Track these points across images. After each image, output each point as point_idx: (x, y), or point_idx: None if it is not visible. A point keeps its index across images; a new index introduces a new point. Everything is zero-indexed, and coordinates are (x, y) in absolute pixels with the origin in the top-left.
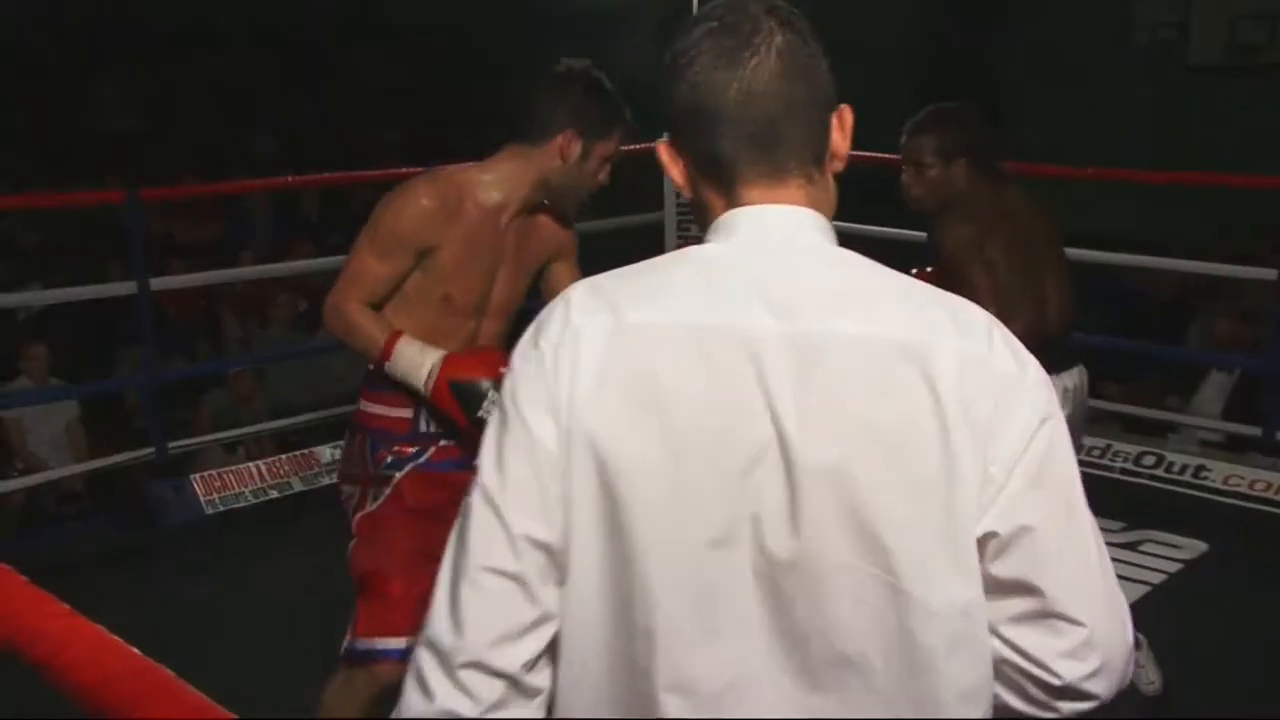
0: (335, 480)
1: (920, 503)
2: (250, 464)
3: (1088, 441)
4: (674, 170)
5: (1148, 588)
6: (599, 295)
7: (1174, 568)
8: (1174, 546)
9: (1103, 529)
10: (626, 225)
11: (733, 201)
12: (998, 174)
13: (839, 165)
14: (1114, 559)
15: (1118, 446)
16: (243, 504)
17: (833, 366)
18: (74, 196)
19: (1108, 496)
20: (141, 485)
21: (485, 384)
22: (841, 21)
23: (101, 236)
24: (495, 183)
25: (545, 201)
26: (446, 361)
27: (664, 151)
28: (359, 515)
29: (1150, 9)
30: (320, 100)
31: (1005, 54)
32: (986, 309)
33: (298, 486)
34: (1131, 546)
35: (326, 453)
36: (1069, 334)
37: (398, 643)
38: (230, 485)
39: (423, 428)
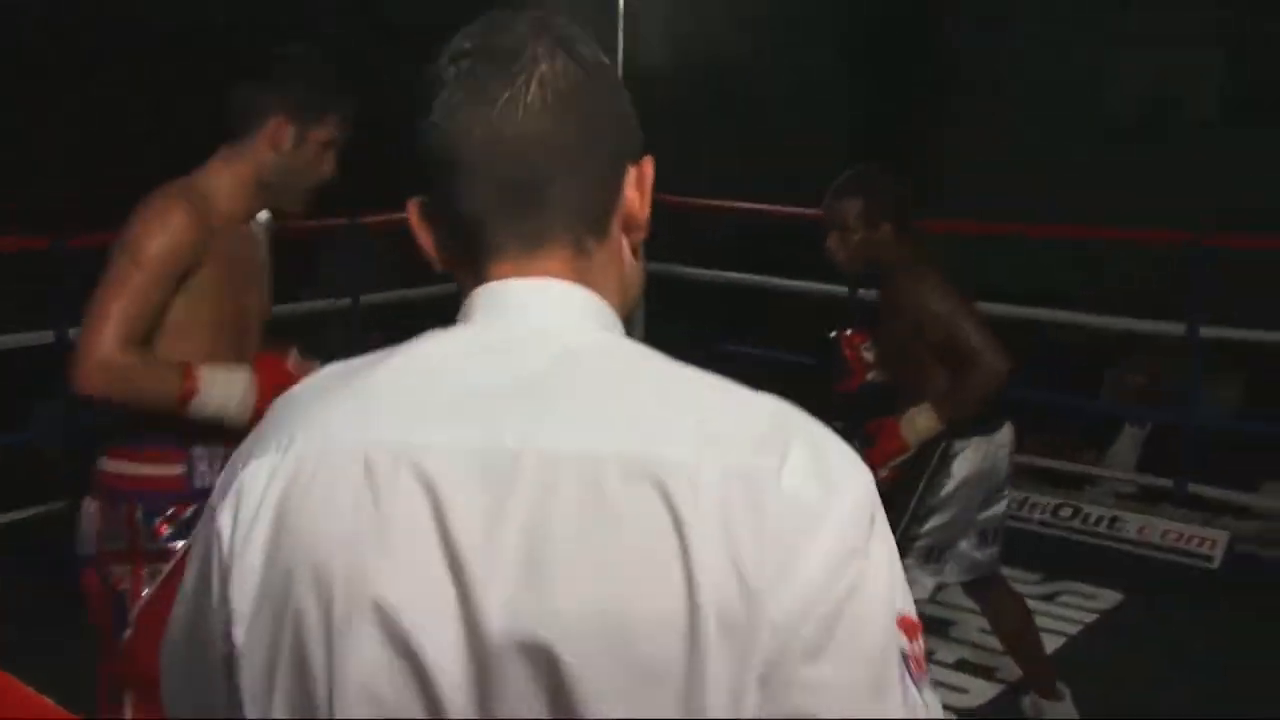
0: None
1: (647, 699)
2: None
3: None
4: (423, 237)
5: (1064, 638)
6: (278, 418)
7: (1090, 618)
8: (1090, 596)
9: (1021, 580)
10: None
11: (481, 276)
12: (916, 233)
13: (638, 234)
14: (1033, 610)
15: (1035, 499)
16: None
17: (535, 495)
18: None
19: (1026, 548)
20: (58, 539)
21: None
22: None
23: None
24: (217, 189)
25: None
26: (262, 374)
27: (413, 214)
28: (138, 605)
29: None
30: None
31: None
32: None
33: None
34: (1049, 598)
35: None
36: None
37: None
38: None
39: (199, 482)
